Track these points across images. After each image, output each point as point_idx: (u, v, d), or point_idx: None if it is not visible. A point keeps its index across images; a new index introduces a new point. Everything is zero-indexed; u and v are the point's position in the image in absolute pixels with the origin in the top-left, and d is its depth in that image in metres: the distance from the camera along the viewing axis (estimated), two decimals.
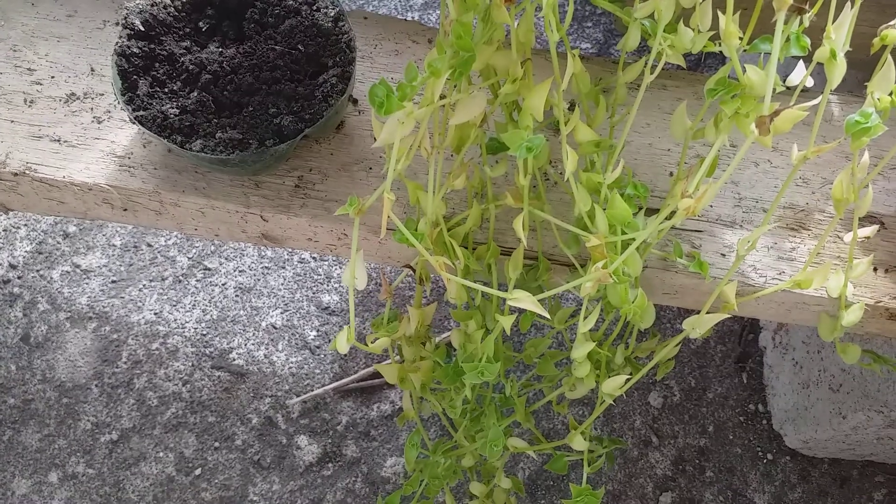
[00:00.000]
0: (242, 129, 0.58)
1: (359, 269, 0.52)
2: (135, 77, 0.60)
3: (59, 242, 1.14)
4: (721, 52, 0.51)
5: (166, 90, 0.61)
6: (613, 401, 0.61)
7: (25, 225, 1.15)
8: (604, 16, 1.33)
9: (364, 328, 1.11)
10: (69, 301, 1.10)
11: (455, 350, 0.65)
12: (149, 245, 1.14)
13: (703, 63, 1.26)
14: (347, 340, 0.53)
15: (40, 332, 1.08)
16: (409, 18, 1.31)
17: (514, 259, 0.59)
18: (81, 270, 1.12)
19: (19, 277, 1.11)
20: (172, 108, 0.59)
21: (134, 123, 0.59)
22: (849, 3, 0.49)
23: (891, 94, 0.51)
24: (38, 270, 1.12)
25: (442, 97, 0.50)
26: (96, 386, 1.05)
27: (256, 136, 0.58)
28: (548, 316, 0.55)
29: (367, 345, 0.58)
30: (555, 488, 1.03)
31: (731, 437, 1.07)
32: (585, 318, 0.55)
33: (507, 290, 0.52)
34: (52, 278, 1.11)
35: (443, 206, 0.58)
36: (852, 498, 1.04)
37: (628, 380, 0.60)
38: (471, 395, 0.63)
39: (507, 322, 0.55)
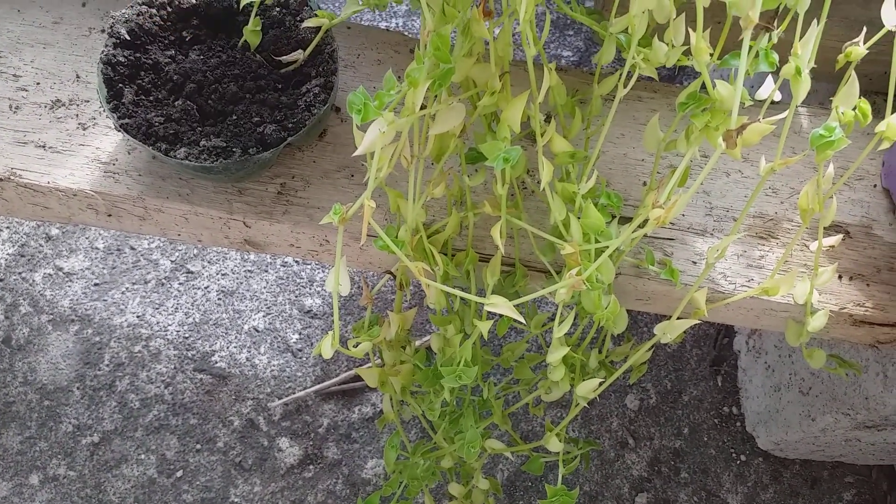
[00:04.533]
0: (226, 138, 0.60)
1: (343, 276, 0.53)
2: (120, 85, 0.61)
3: (41, 245, 1.14)
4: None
5: (151, 98, 0.62)
6: (591, 403, 0.63)
7: (7, 227, 1.15)
8: (584, 25, 1.35)
9: (346, 332, 1.12)
10: (51, 304, 1.10)
11: (434, 354, 0.67)
12: (132, 248, 1.15)
13: (681, 73, 1.29)
14: (332, 346, 0.54)
15: (22, 335, 1.08)
16: (391, 26, 1.32)
17: (491, 266, 0.61)
18: (64, 273, 1.12)
19: (1, 280, 1.11)
20: (157, 116, 0.60)
21: (119, 131, 0.60)
22: (815, 20, 0.51)
23: (854, 109, 0.53)
24: (20, 273, 1.12)
25: (423, 108, 0.51)
26: (78, 388, 1.06)
27: (240, 145, 0.59)
28: (524, 321, 0.57)
29: (348, 348, 0.60)
30: (532, 489, 1.04)
31: (705, 439, 1.09)
32: (560, 323, 0.57)
33: (484, 296, 0.54)
34: (34, 281, 1.11)
35: (423, 214, 0.59)
36: (822, 498, 1.07)
37: (602, 383, 0.61)
38: (449, 397, 0.64)
39: (484, 327, 0.56)
